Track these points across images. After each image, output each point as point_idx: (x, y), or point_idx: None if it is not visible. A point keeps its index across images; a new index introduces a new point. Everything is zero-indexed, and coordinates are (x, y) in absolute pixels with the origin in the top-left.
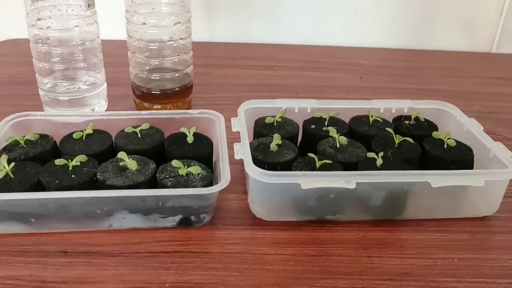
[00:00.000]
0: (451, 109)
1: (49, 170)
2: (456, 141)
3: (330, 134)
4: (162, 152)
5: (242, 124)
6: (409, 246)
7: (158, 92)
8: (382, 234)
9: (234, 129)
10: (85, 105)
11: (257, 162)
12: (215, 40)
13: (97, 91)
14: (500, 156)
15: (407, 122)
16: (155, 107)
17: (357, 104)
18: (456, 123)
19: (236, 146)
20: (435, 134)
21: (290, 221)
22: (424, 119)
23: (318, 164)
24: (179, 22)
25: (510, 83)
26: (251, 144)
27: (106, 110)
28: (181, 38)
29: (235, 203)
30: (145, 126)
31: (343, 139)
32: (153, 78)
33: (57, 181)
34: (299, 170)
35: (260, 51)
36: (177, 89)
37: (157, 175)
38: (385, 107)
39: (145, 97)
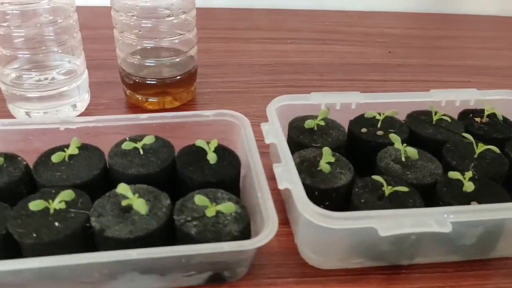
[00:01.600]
0: None
1: (21, 216)
2: None
3: (395, 145)
4: (173, 175)
5: (278, 134)
6: None
7: (154, 82)
8: (475, 282)
9: (267, 141)
10: (62, 101)
11: (305, 187)
12: (213, 5)
13: (77, 82)
14: None
15: (478, 119)
16: (150, 100)
17: (414, 97)
18: None
19: (277, 169)
20: None
21: (354, 268)
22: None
23: (387, 191)
24: None
25: None
26: None
27: (89, 105)
28: (183, 12)
29: (276, 243)
30: (149, 139)
31: (413, 152)
32: (148, 64)
33: (34, 234)
34: (363, 201)
35: (267, 20)
36: (178, 77)
37: (175, 217)
38: (447, 100)
39: (138, 87)
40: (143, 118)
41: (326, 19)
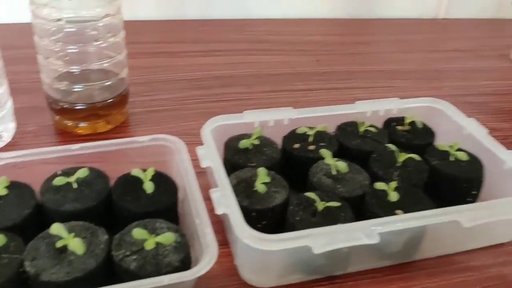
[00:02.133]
0: (446, 107)
1: None
2: (466, 152)
3: (326, 160)
4: (110, 207)
5: (214, 157)
6: None
7: (85, 107)
8: (402, 284)
9: (203, 165)
10: None
11: (242, 209)
12: (138, 18)
13: (1, 112)
14: None
15: (400, 128)
16: (81, 125)
17: (341, 110)
18: (452, 125)
19: (215, 193)
20: (439, 145)
21: (293, 283)
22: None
23: (320, 206)
24: (108, 15)
25: (469, 55)
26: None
27: (16, 134)
28: (112, 35)
29: (217, 265)
30: (82, 172)
31: (342, 166)
32: (77, 89)
33: None
34: (298, 218)
35: (194, 32)
36: (110, 100)
37: (113, 253)
38: (372, 110)
39: (67, 112)
40: (75, 149)
41: (252, 28)
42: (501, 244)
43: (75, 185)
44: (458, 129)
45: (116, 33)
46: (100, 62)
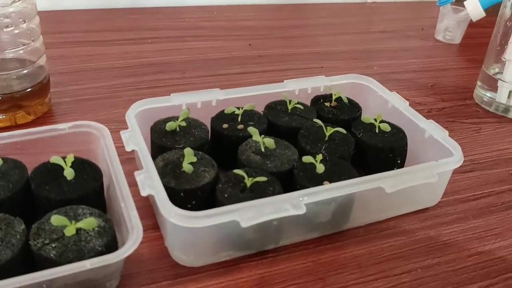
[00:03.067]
0: (370, 82)
1: None
2: (389, 123)
3: (254, 138)
4: (29, 198)
5: (139, 140)
6: (367, 263)
7: (0, 98)
8: (333, 253)
9: (128, 148)
10: None
11: (169, 190)
12: (64, 7)
13: None
14: (438, 137)
15: (327, 104)
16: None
17: (270, 89)
18: (377, 99)
19: (139, 176)
20: (365, 118)
21: (225, 260)
22: (347, 98)
23: (248, 182)
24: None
25: (396, 36)
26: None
27: None
28: (23, 21)
29: (147, 249)
30: None
31: (270, 143)
32: None
33: None
34: (227, 195)
35: (125, 20)
36: (29, 89)
37: (30, 242)
38: (300, 88)
39: None
40: None
41: (186, 15)
42: (427, 209)
43: None
44: (382, 103)
45: (29, 19)
46: (14, 50)
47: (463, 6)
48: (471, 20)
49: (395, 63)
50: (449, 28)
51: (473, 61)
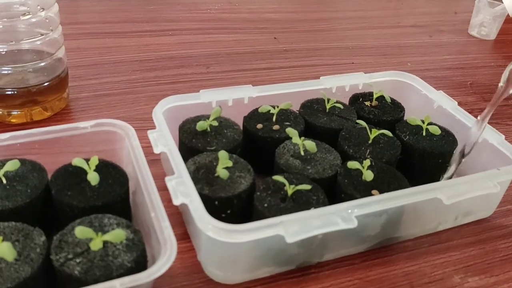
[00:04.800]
0: (413, 80)
1: None
2: (438, 126)
3: (293, 140)
4: (49, 204)
5: (168, 141)
6: (419, 282)
7: (16, 92)
8: (382, 270)
9: (156, 150)
10: None
11: (202, 198)
12: None
13: None
14: (493, 141)
15: (368, 103)
16: (14, 113)
17: (305, 86)
18: (421, 99)
19: (170, 182)
20: (410, 119)
21: (263, 277)
22: (389, 97)
23: (290, 190)
24: None
25: (427, 30)
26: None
27: None
28: (42, 8)
29: (178, 261)
30: (12, 165)
31: (311, 146)
32: (5, 71)
33: None
34: (267, 205)
35: (142, 11)
36: (46, 83)
37: (52, 256)
38: (337, 86)
39: None
40: (3, 138)
41: (205, 6)
42: (480, 220)
43: (4, 180)
44: (428, 103)
45: (47, 7)
46: (31, 40)
47: (500, 0)
48: (507, 15)
49: (428, 60)
50: (485, 23)
51: (511, 58)
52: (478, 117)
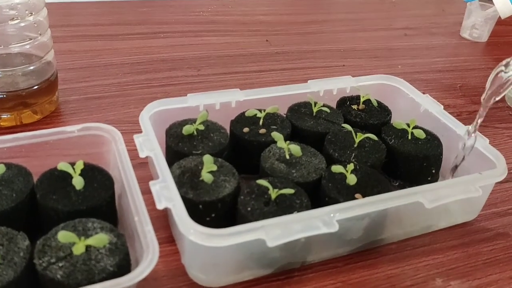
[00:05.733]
0: (400, 84)
1: None
2: (424, 129)
3: (278, 144)
4: (34, 208)
5: (154, 146)
6: (401, 285)
7: (5, 96)
8: (365, 273)
9: (142, 154)
10: None
11: (187, 202)
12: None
13: None
14: (478, 145)
15: (355, 107)
16: (3, 116)
17: (293, 90)
18: (408, 102)
19: (154, 186)
20: (396, 123)
21: (247, 280)
22: (376, 100)
23: (273, 194)
24: None
25: (419, 33)
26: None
27: None
28: (30, 13)
29: (162, 264)
30: None
31: (296, 150)
32: None
33: None
34: (250, 209)
35: (134, 13)
36: (36, 87)
37: (35, 261)
38: (325, 89)
39: None
40: None
41: (197, 9)
42: (464, 223)
43: None
44: (414, 106)
45: (36, 11)
46: (20, 44)
47: (491, 2)
48: (499, 17)
49: (419, 62)
50: (476, 25)
51: (502, 60)
52: (469, 127)
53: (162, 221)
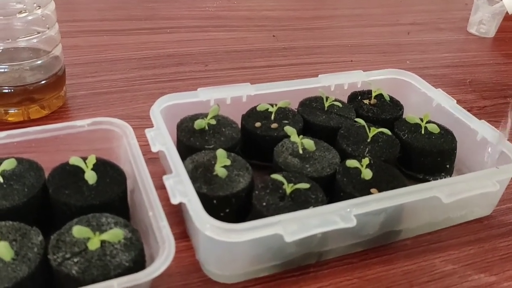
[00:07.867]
0: (412, 78)
1: None
2: (437, 124)
3: (291, 138)
4: (46, 203)
5: (166, 140)
6: (418, 281)
7: (12, 90)
8: (381, 269)
9: (154, 149)
10: None
11: (201, 197)
12: None
13: None
14: (490, 139)
15: (366, 101)
16: (11, 111)
17: (304, 84)
18: (420, 97)
19: (168, 180)
20: (409, 118)
21: (262, 276)
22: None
23: (288, 189)
24: None
25: (427, 28)
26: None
27: None
28: (38, 6)
29: (176, 261)
30: (9, 164)
31: (310, 144)
32: (1, 70)
33: None
34: (265, 204)
35: (140, 8)
36: (43, 81)
37: (49, 256)
38: (336, 84)
39: None
40: (0, 137)
41: (203, 4)
42: (479, 219)
43: (1, 179)
44: (426, 101)
45: (44, 5)
46: (27, 38)
47: None
48: (506, 13)
49: (428, 58)
50: (483, 20)
51: (509, 56)
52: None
53: (174, 217)
